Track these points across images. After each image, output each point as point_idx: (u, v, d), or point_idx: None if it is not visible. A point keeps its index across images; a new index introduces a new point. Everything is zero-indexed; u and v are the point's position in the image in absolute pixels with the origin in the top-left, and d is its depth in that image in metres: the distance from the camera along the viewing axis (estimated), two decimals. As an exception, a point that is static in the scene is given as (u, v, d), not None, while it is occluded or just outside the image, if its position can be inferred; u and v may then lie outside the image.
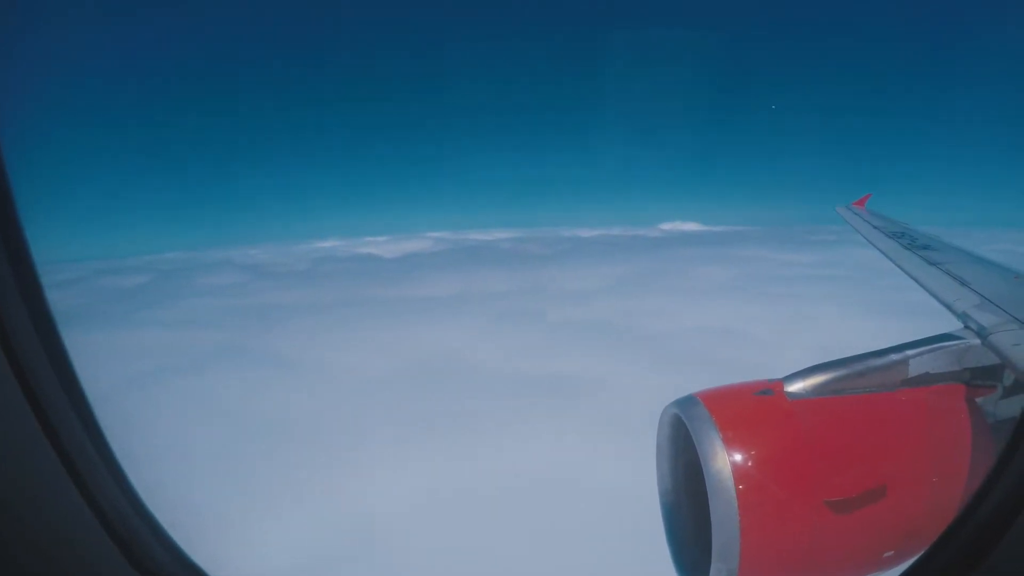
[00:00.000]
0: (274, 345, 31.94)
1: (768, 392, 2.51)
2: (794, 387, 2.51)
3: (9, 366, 1.25)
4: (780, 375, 2.62)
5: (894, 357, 2.61)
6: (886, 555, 2.38)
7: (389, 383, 25.42)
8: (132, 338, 34.46)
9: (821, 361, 2.63)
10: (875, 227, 6.05)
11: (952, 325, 2.93)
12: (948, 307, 3.22)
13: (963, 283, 3.56)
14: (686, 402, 2.51)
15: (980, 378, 2.62)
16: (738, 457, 2.26)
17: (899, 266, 4.53)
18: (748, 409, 2.45)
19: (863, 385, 2.55)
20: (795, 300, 34.99)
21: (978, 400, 2.59)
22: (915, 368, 2.59)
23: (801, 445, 2.36)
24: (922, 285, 3.85)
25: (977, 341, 2.65)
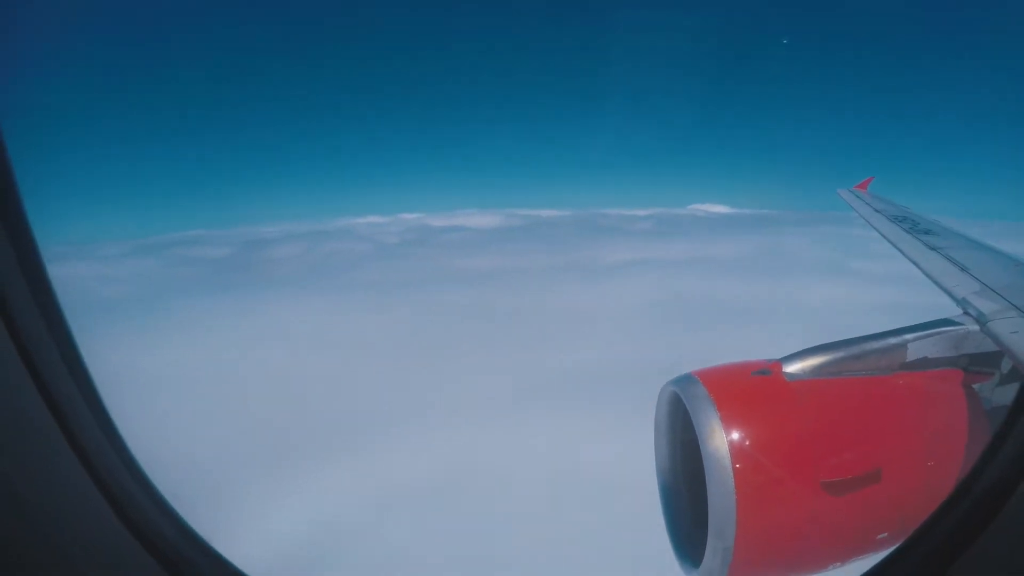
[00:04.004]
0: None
1: (766, 372, 2.51)
2: (792, 368, 2.52)
3: (25, 368, 1.23)
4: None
5: (892, 341, 2.61)
6: (880, 537, 2.41)
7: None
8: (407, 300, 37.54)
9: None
10: (877, 211, 6.02)
11: (951, 311, 2.94)
12: (948, 292, 3.22)
13: (963, 269, 3.55)
14: (684, 380, 2.51)
15: (978, 364, 2.63)
16: (735, 436, 2.28)
17: (900, 250, 4.52)
18: (746, 389, 2.46)
19: (861, 368, 2.56)
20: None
21: (975, 386, 2.60)
22: (913, 352, 2.60)
23: (798, 426, 2.38)
24: (922, 270, 3.84)
25: (976, 327, 2.65)
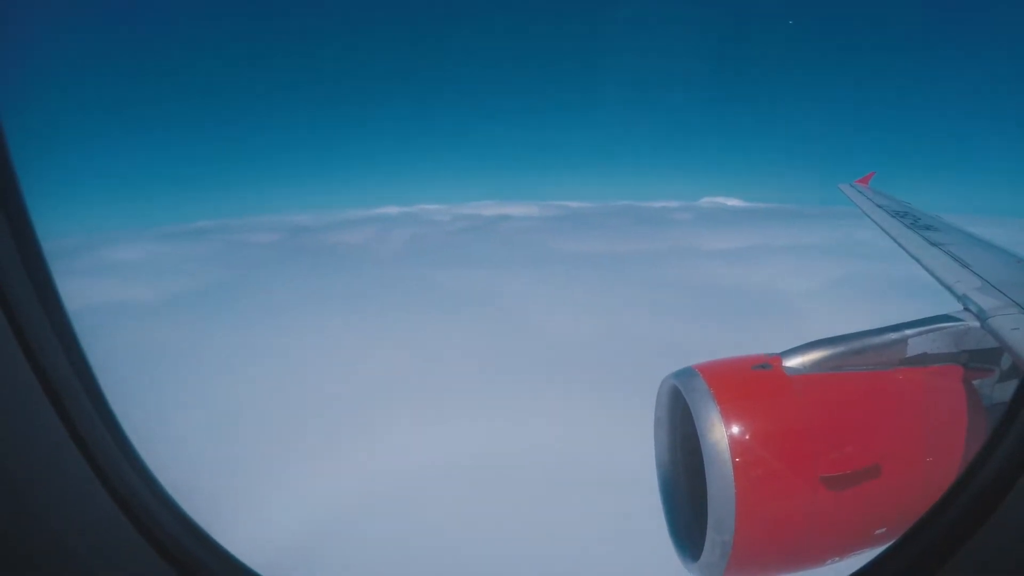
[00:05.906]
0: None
1: (766, 367, 2.52)
2: (792, 362, 2.52)
3: (29, 366, 1.22)
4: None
5: (893, 336, 2.61)
6: (879, 532, 2.42)
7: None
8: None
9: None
10: (878, 206, 6.01)
11: (952, 306, 2.94)
12: (949, 288, 3.22)
13: (964, 265, 3.54)
14: (685, 374, 2.52)
15: (978, 360, 2.63)
16: (735, 430, 2.28)
17: (901, 245, 4.51)
18: (746, 383, 2.47)
19: (861, 363, 2.56)
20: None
21: (975, 382, 2.61)
22: (913, 348, 2.60)
23: (798, 420, 2.38)
24: (923, 266, 3.84)
25: (976, 324, 2.65)
